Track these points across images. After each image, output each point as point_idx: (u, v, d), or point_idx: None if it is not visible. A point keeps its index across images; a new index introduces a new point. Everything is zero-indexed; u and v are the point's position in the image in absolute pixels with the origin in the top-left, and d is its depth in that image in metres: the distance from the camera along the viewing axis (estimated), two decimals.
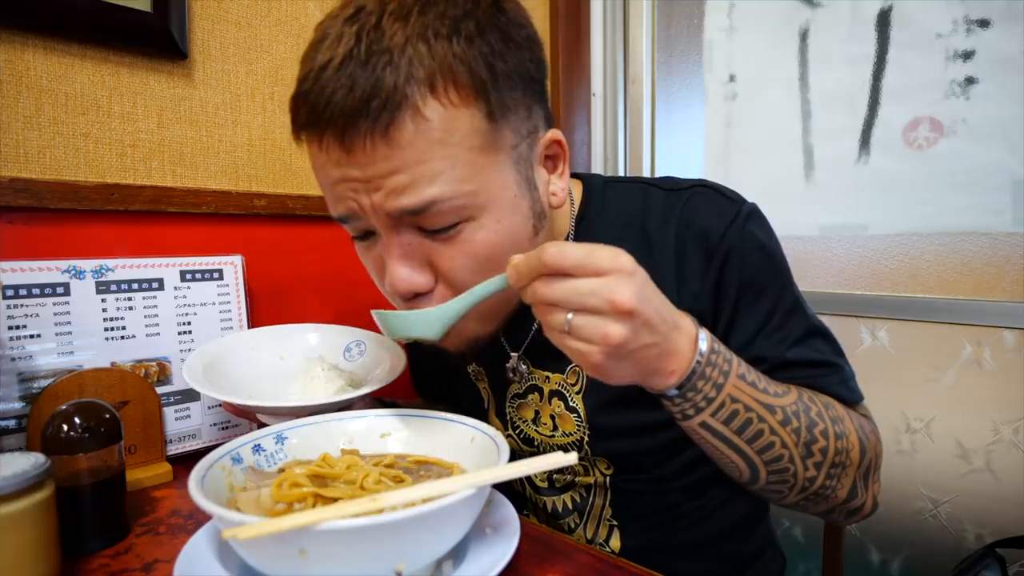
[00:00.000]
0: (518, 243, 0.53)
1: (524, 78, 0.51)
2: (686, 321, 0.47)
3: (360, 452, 0.54)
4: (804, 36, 1.13)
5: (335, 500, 0.42)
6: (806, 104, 1.13)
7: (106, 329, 0.70)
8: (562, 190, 0.57)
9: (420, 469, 0.52)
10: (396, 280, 0.51)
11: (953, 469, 0.98)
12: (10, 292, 0.64)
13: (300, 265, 0.96)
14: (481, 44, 0.47)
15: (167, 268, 0.75)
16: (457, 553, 0.45)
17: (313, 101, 0.46)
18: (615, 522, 0.65)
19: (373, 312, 0.53)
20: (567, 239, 0.64)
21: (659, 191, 0.63)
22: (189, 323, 0.76)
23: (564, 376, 0.63)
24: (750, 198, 0.62)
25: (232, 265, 0.80)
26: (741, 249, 0.58)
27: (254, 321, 0.85)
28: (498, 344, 0.67)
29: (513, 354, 0.66)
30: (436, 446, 0.55)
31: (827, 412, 0.54)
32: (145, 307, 0.73)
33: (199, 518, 0.57)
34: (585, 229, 0.64)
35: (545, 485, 0.68)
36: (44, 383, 0.64)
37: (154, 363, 0.73)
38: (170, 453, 0.73)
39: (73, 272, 0.68)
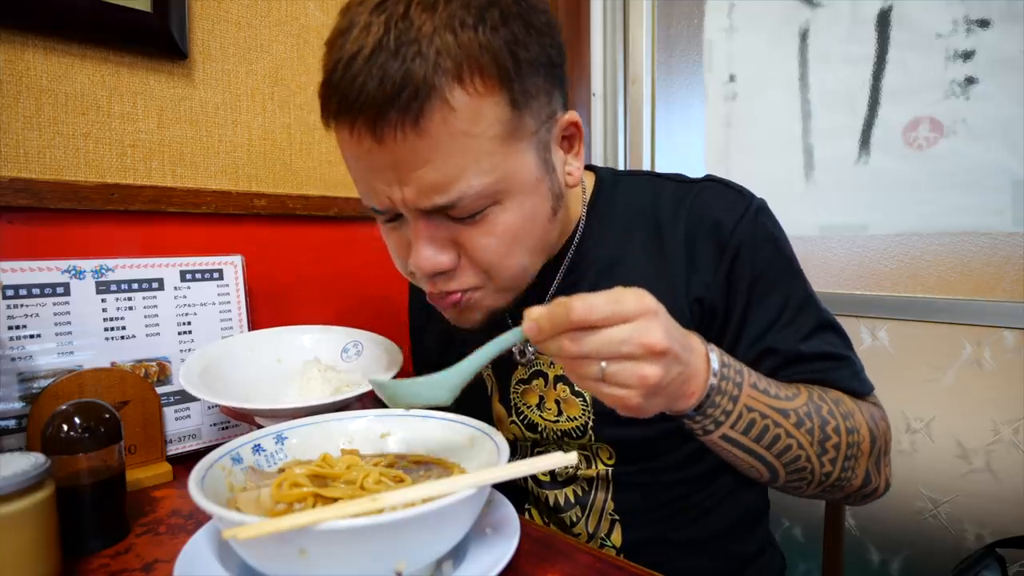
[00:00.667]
0: (539, 223, 0.55)
1: (545, 64, 0.52)
2: (696, 341, 0.48)
3: (360, 452, 0.54)
4: (804, 36, 1.13)
5: (335, 500, 0.42)
6: (806, 104, 1.13)
7: (106, 329, 0.70)
8: (577, 170, 0.59)
9: (420, 469, 0.52)
10: (421, 260, 0.52)
11: (953, 469, 0.98)
12: (10, 292, 0.64)
13: (300, 265, 0.96)
14: (505, 33, 0.48)
15: (167, 268, 0.75)
16: (457, 553, 0.45)
17: (344, 91, 0.46)
18: (616, 516, 0.65)
19: (371, 381, 0.52)
20: (578, 227, 0.65)
21: (670, 183, 0.65)
22: (189, 323, 0.76)
23: None
24: None
25: (232, 265, 0.80)
26: (753, 242, 0.59)
27: (254, 321, 0.85)
28: (506, 327, 0.67)
29: None
30: (436, 446, 0.55)
31: (837, 409, 0.55)
32: (145, 307, 0.73)
33: (199, 518, 0.57)
34: (596, 217, 0.65)
35: (547, 479, 0.68)
36: (44, 383, 0.64)
37: (154, 363, 0.73)
38: (170, 453, 0.73)
39: (73, 272, 0.68)
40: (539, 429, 0.67)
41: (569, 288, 0.65)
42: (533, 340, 0.43)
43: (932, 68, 0.99)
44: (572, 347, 0.41)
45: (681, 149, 1.34)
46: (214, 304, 0.79)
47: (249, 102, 0.89)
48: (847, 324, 1.07)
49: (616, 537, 0.65)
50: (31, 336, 0.65)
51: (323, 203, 0.97)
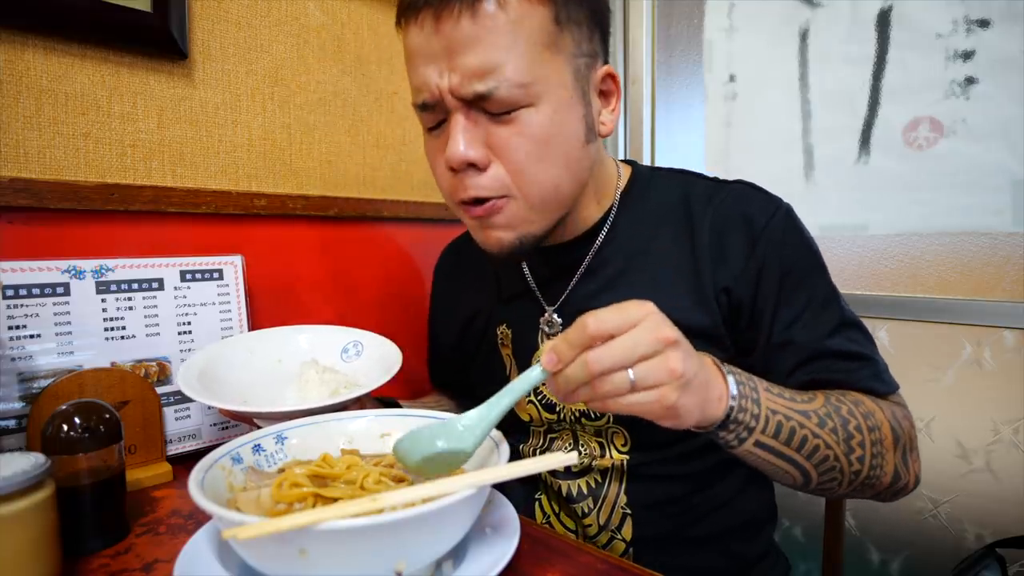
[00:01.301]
0: (569, 140, 0.59)
1: (590, 4, 0.59)
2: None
3: (360, 452, 0.54)
4: (804, 36, 1.13)
5: (335, 500, 0.42)
6: (806, 104, 1.13)
7: (106, 329, 0.70)
8: (611, 121, 0.64)
9: None
10: (455, 149, 0.57)
11: (953, 469, 0.98)
12: (10, 292, 0.64)
13: (300, 265, 0.96)
14: None
15: (167, 268, 0.75)
16: (457, 553, 0.45)
17: None
18: (629, 510, 0.66)
19: (394, 448, 0.49)
20: (611, 211, 0.68)
21: (702, 180, 0.69)
22: (189, 323, 0.76)
23: None
24: None
25: (232, 265, 0.80)
26: (783, 238, 0.61)
27: (254, 321, 0.85)
28: (533, 298, 0.72)
29: (548, 308, 0.70)
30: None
31: (857, 409, 0.56)
32: (145, 307, 0.73)
33: (199, 518, 0.57)
34: (629, 205, 0.69)
35: (562, 469, 0.68)
36: (44, 383, 0.64)
37: (154, 363, 0.73)
38: (170, 453, 0.73)
39: (73, 272, 0.68)
40: (557, 410, 0.68)
41: (601, 264, 0.68)
42: (551, 369, 0.44)
43: (932, 68, 0.99)
44: (596, 364, 0.42)
45: (681, 149, 1.34)
46: (214, 304, 0.79)
47: (249, 102, 0.89)
48: None
49: (627, 531, 0.66)
50: (31, 336, 0.65)
51: (323, 203, 0.97)
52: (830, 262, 0.66)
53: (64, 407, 0.52)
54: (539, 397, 0.69)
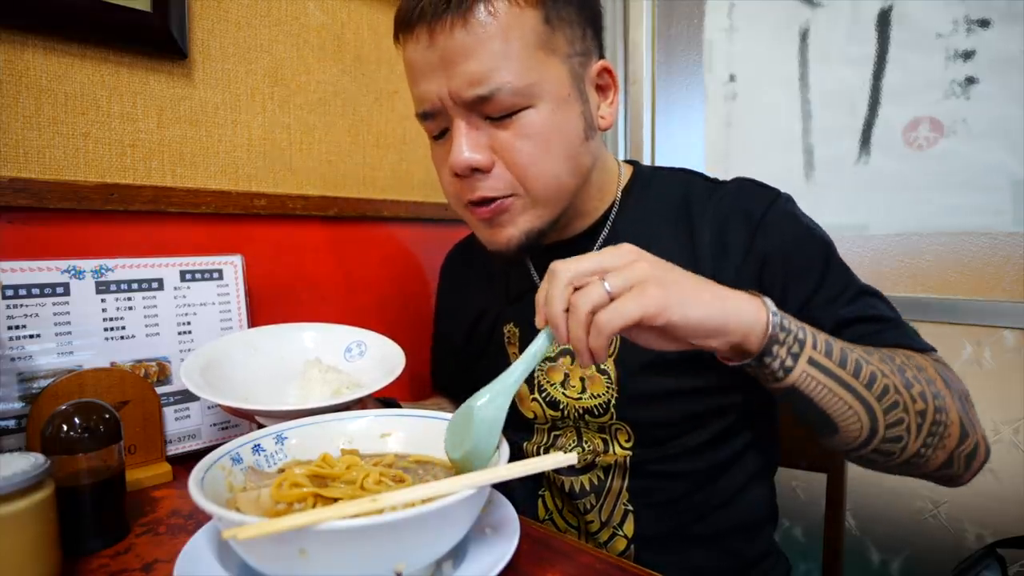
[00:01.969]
0: (569, 137, 0.61)
1: (578, 2, 0.60)
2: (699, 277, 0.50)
3: (360, 452, 0.54)
4: (804, 36, 1.13)
5: (335, 500, 0.42)
6: (806, 104, 1.13)
7: (106, 329, 0.70)
8: (610, 115, 0.65)
9: (420, 469, 0.52)
10: (459, 154, 0.58)
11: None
12: (10, 292, 0.64)
13: (300, 265, 0.96)
14: None
15: (167, 268, 0.75)
16: (457, 553, 0.45)
17: (413, 4, 0.58)
18: (631, 507, 0.66)
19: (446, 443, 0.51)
20: (612, 208, 0.69)
21: (701, 179, 0.70)
22: (189, 323, 0.76)
23: None
24: None
25: (232, 265, 0.80)
26: (782, 225, 0.62)
27: (254, 321, 0.85)
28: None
29: None
30: (436, 446, 0.55)
31: (895, 352, 0.54)
32: (145, 307, 0.73)
33: (199, 518, 0.57)
34: (630, 201, 0.70)
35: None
36: (44, 383, 0.64)
37: (154, 363, 0.73)
38: (170, 453, 0.73)
39: (73, 272, 0.68)
40: (561, 407, 0.68)
41: None
42: (551, 319, 0.46)
43: (932, 68, 0.99)
44: (575, 290, 0.45)
45: (681, 149, 1.34)
46: (214, 304, 0.79)
47: (249, 102, 0.89)
48: None
49: (629, 527, 0.66)
50: (31, 336, 0.65)
51: (323, 203, 0.97)
52: None
53: (64, 407, 0.52)
54: (542, 394, 0.69)
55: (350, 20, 1.00)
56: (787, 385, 0.50)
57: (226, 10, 0.86)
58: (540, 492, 0.73)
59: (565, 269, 0.45)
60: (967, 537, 0.97)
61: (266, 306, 0.90)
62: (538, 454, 0.72)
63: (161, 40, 0.78)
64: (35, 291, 0.65)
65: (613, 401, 0.64)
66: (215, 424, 0.77)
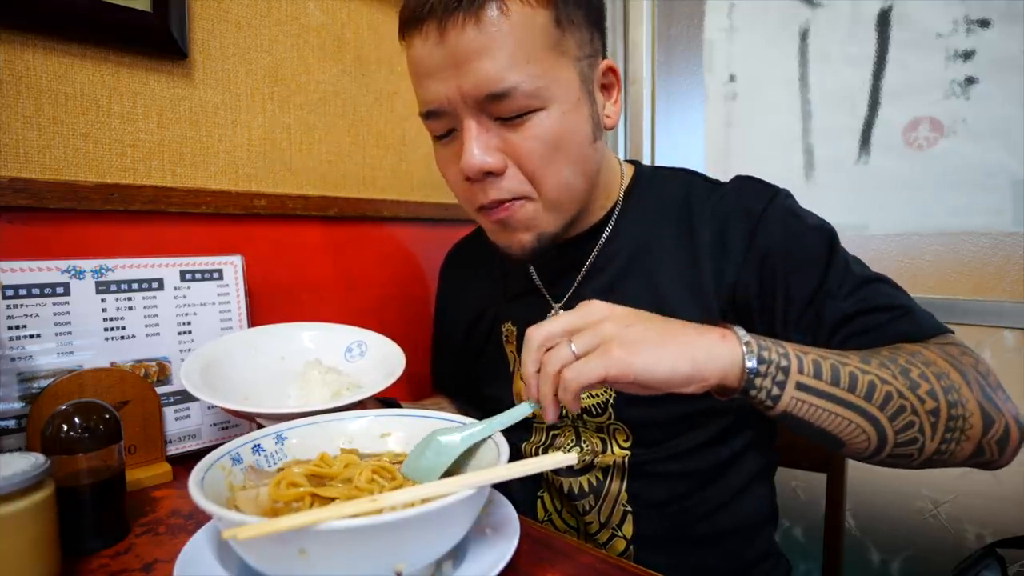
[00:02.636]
0: (579, 140, 0.60)
1: (586, 4, 0.60)
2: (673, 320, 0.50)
3: (360, 452, 0.54)
4: (804, 36, 1.13)
5: (332, 499, 0.42)
6: (806, 104, 1.13)
7: (106, 329, 0.70)
8: (615, 114, 0.65)
9: None
10: (468, 159, 0.57)
11: (953, 469, 0.97)
12: (10, 292, 0.64)
13: (300, 265, 0.96)
14: None
15: (167, 268, 0.75)
16: (457, 553, 0.45)
17: (423, 0, 0.56)
18: (630, 508, 0.66)
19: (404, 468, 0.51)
20: (615, 208, 0.70)
21: (702, 179, 0.70)
22: (189, 323, 0.76)
23: None
24: None
25: (232, 265, 0.80)
26: (782, 222, 0.61)
27: (254, 321, 0.85)
28: (539, 295, 0.73)
29: (555, 304, 0.71)
30: None
31: (899, 350, 0.52)
32: (145, 307, 0.73)
33: (199, 518, 0.57)
34: (632, 202, 0.70)
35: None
36: (44, 383, 0.64)
37: (154, 363, 0.73)
38: (170, 453, 0.73)
39: (73, 272, 0.68)
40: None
41: (606, 260, 0.69)
42: (528, 380, 0.48)
43: (932, 68, 0.99)
44: (545, 342, 0.47)
45: (681, 149, 1.34)
46: (214, 304, 0.79)
47: (249, 102, 0.89)
48: None
49: (628, 528, 0.66)
50: (31, 336, 0.65)
51: (323, 203, 0.97)
52: None
53: (64, 407, 0.52)
54: None
55: (350, 20, 1.00)
56: (778, 412, 0.49)
57: (226, 10, 0.86)
58: (539, 493, 0.73)
59: (537, 334, 0.48)
60: (967, 537, 0.97)
61: (266, 306, 0.90)
62: (536, 454, 0.72)
63: (161, 40, 0.78)
64: (35, 291, 0.65)
65: (611, 401, 0.65)
66: (215, 424, 0.77)
